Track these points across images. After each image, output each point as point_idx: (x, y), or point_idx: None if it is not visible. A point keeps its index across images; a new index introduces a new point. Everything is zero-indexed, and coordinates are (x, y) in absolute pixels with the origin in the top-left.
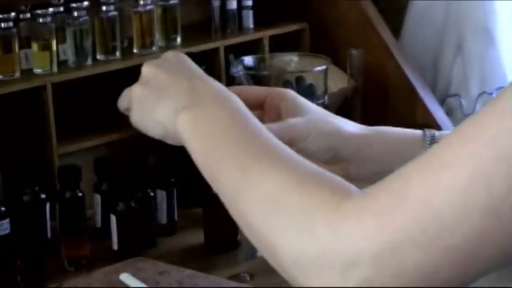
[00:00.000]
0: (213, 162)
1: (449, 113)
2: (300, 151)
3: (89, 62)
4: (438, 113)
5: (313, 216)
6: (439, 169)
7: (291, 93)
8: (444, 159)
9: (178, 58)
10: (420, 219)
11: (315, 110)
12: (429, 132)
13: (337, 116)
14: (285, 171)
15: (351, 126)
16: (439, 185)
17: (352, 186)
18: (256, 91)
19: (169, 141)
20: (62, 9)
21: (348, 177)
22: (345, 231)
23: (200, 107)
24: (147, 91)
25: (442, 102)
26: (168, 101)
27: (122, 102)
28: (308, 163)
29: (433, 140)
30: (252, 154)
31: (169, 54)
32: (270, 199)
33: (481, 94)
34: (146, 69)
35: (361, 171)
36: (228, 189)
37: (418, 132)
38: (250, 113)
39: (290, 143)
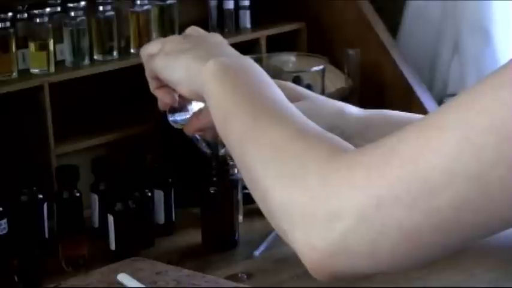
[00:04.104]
0: (228, 105)
1: None
2: None
3: (86, 62)
4: None
5: (307, 165)
6: (430, 132)
7: (289, 84)
8: (437, 123)
9: (223, 39)
10: (406, 178)
11: (316, 96)
12: None
13: (338, 101)
14: (291, 125)
15: (354, 109)
16: (428, 147)
17: (351, 145)
18: None
19: (184, 87)
20: (59, 9)
21: None
22: (333, 182)
23: (231, 60)
24: (185, 40)
25: (439, 101)
26: (202, 50)
27: (151, 47)
28: (313, 123)
29: None
30: (265, 106)
31: (217, 34)
32: (273, 147)
33: None
34: (191, 29)
35: None
36: (236, 133)
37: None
38: (272, 80)
39: None
